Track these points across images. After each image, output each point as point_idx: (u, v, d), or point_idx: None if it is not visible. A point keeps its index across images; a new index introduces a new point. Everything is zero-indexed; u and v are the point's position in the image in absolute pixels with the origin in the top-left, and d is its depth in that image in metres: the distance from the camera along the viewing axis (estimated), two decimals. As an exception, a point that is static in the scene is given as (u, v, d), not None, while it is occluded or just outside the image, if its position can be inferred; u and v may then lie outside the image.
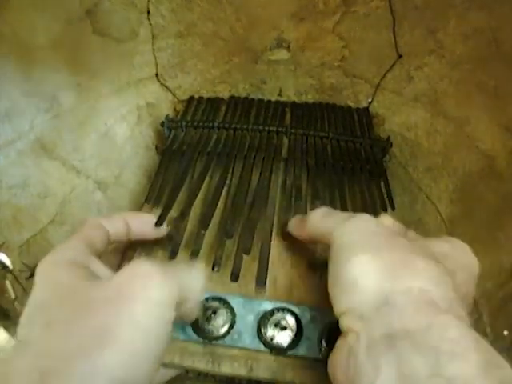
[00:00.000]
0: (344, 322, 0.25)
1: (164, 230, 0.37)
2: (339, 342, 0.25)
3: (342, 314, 0.25)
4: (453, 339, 0.20)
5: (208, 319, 0.33)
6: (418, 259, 0.25)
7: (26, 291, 0.43)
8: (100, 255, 0.29)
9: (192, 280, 0.28)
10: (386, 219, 0.30)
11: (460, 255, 0.27)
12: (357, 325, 0.24)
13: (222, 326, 0.33)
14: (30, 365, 0.21)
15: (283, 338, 0.32)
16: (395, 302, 0.23)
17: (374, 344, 0.22)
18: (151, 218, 0.36)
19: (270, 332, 0.32)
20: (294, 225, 0.37)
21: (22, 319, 0.24)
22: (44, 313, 0.23)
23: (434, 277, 0.24)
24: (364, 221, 0.28)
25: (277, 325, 0.33)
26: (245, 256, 0.36)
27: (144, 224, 0.35)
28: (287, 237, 0.39)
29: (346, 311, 0.25)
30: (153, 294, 0.23)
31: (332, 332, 0.32)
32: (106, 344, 0.21)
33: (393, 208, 0.45)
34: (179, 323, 0.33)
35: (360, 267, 0.25)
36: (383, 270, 0.24)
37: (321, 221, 0.32)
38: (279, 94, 0.61)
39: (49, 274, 0.25)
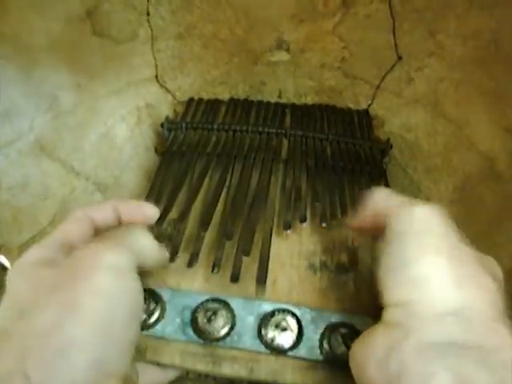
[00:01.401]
0: (393, 314, 0.25)
1: (156, 217, 0.36)
2: (377, 333, 0.25)
3: (393, 304, 0.25)
4: None
5: (208, 320, 0.33)
6: (485, 275, 0.24)
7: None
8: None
9: (141, 239, 0.29)
10: (441, 208, 0.28)
11: (498, 272, 0.27)
12: (410, 322, 0.23)
13: (223, 327, 0.33)
14: (7, 352, 0.22)
15: (284, 339, 0.32)
16: (464, 314, 0.22)
17: (430, 347, 0.22)
18: (142, 204, 0.36)
19: (271, 333, 0.32)
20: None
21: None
22: (14, 305, 0.24)
23: (498, 297, 0.24)
24: (431, 210, 0.27)
25: (277, 326, 0.32)
26: (245, 257, 0.36)
27: (134, 210, 0.35)
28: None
29: (401, 304, 0.24)
30: (106, 260, 0.24)
31: (333, 333, 0.32)
32: (74, 316, 0.22)
33: (393, 209, 0.45)
34: (180, 325, 0.33)
35: (432, 268, 0.24)
36: (457, 279, 0.24)
37: (386, 198, 0.30)
38: (279, 96, 0.61)
39: (18, 272, 0.26)
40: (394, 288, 0.25)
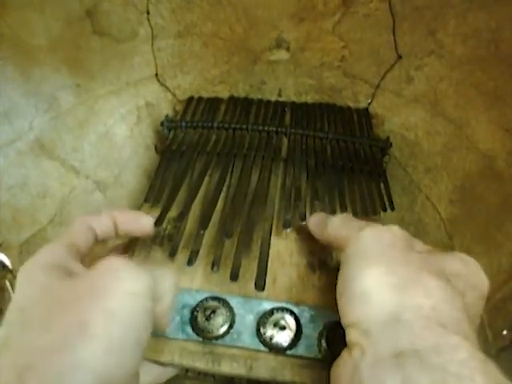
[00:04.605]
0: (350, 335, 0.25)
1: (151, 228, 0.36)
2: (343, 355, 0.25)
3: (348, 326, 0.25)
4: (460, 361, 0.20)
5: (207, 319, 0.33)
6: (430, 277, 0.24)
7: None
8: (84, 256, 0.30)
9: (165, 280, 0.28)
10: (395, 229, 0.29)
11: (471, 274, 0.27)
12: (363, 340, 0.23)
13: (222, 325, 0.33)
14: (7, 362, 0.21)
15: (282, 337, 0.32)
16: (405, 318, 0.23)
17: (380, 361, 0.22)
18: (138, 215, 0.36)
19: (270, 332, 0.32)
20: (314, 223, 0.37)
21: (3, 321, 0.24)
22: (21, 313, 0.24)
23: (444, 297, 0.24)
24: (378, 231, 0.28)
25: (276, 324, 0.32)
26: (244, 256, 0.36)
27: (131, 221, 0.35)
28: (300, 230, 0.39)
29: (353, 324, 0.25)
30: (125, 284, 0.24)
31: (331, 332, 0.32)
32: (82, 338, 0.21)
33: (392, 208, 0.45)
34: (179, 323, 0.33)
35: (372, 280, 0.25)
36: (395, 286, 0.24)
37: (340, 226, 0.32)
38: (279, 94, 0.61)
39: (28, 276, 0.26)
40: (346, 309, 0.26)
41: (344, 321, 0.26)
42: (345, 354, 0.25)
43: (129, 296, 0.24)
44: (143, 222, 0.35)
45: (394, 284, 0.24)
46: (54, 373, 0.20)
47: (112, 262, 0.25)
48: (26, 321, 0.23)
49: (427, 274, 0.25)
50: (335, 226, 0.32)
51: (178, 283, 0.29)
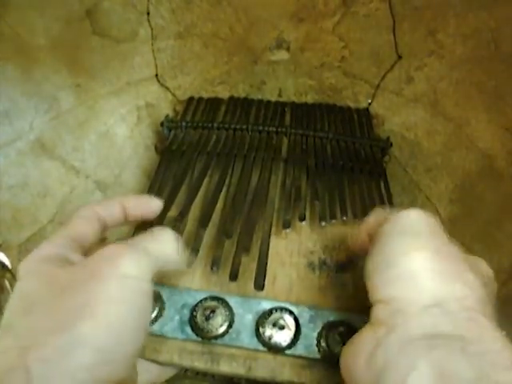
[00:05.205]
0: (378, 312, 0.25)
1: (159, 205, 0.36)
2: (363, 332, 0.25)
3: (379, 301, 0.25)
4: (499, 351, 0.21)
5: (207, 318, 0.33)
6: (472, 274, 0.25)
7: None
8: (89, 246, 0.30)
9: (163, 245, 0.29)
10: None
11: (485, 272, 0.27)
12: (394, 319, 0.24)
13: (221, 325, 0.33)
14: (9, 344, 0.22)
15: (281, 337, 0.32)
16: (449, 307, 0.23)
17: (412, 341, 0.22)
18: (147, 198, 0.36)
19: (269, 331, 0.32)
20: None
21: (5, 309, 0.25)
22: (22, 300, 0.24)
23: (483, 293, 0.24)
24: (425, 214, 0.28)
25: (275, 324, 0.33)
26: (244, 256, 0.36)
27: (140, 205, 0.35)
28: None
29: (385, 301, 0.25)
30: (122, 270, 0.24)
31: (330, 331, 0.32)
32: (83, 318, 0.22)
33: (392, 208, 0.45)
34: (178, 323, 0.33)
35: (418, 263, 0.25)
36: (440, 273, 0.24)
37: (381, 214, 0.31)
38: (279, 95, 0.61)
39: (28, 267, 0.26)
40: (379, 286, 0.26)
41: (374, 295, 0.26)
42: (366, 330, 0.25)
43: (126, 280, 0.24)
44: (153, 205, 0.35)
45: (439, 271, 0.24)
46: (55, 350, 0.21)
47: (110, 248, 0.26)
48: (28, 306, 0.24)
49: (469, 268, 0.25)
50: (375, 214, 0.31)
51: (175, 241, 0.30)
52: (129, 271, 0.25)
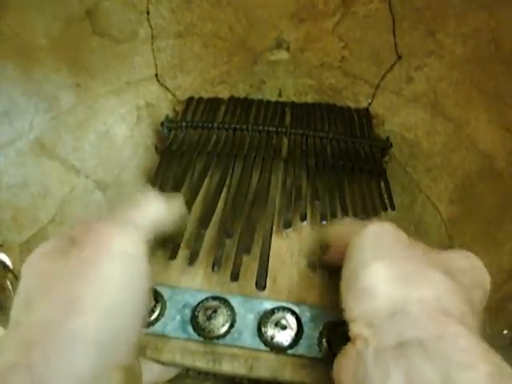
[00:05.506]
0: (354, 329, 0.25)
1: None
2: (347, 348, 0.25)
3: (352, 320, 0.25)
4: (463, 349, 0.21)
5: (208, 318, 0.33)
6: (434, 271, 0.25)
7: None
8: None
9: (148, 210, 0.29)
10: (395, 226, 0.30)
11: (475, 271, 0.27)
12: (367, 331, 0.24)
13: (223, 325, 0.33)
14: (15, 341, 0.22)
15: (283, 337, 0.32)
16: (409, 310, 0.23)
17: (384, 351, 0.22)
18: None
19: (270, 331, 0.32)
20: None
21: (12, 309, 0.25)
22: (25, 297, 0.25)
23: (448, 289, 0.24)
24: (380, 226, 0.28)
25: (277, 324, 0.32)
26: (245, 256, 0.36)
27: None
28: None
29: (357, 317, 0.25)
30: (116, 247, 0.25)
31: (332, 331, 0.32)
32: (78, 309, 0.22)
33: (393, 208, 0.45)
34: (180, 323, 0.33)
35: (375, 273, 0.25)
36: (399, 278, 0.24)
37: (344, 227, 0.32)
38: (279, 95, 0.61)
39: (30, 263, 0.26)
40: (351, 304, 0.26)
41: (348, 316, 0.26)
42: (348, 346, 0.25)
43: (121, 257, 0.24)
44: None
45: (397, 277, 0.24)
46: (56, 347, 0.21)
47: (97, 230, 0.26)
48: (29, 302, 0.24)
49: (431, 267, 0.25)
50: (339, 226, 0.32)
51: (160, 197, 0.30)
52: (122, 247, 0.25)
